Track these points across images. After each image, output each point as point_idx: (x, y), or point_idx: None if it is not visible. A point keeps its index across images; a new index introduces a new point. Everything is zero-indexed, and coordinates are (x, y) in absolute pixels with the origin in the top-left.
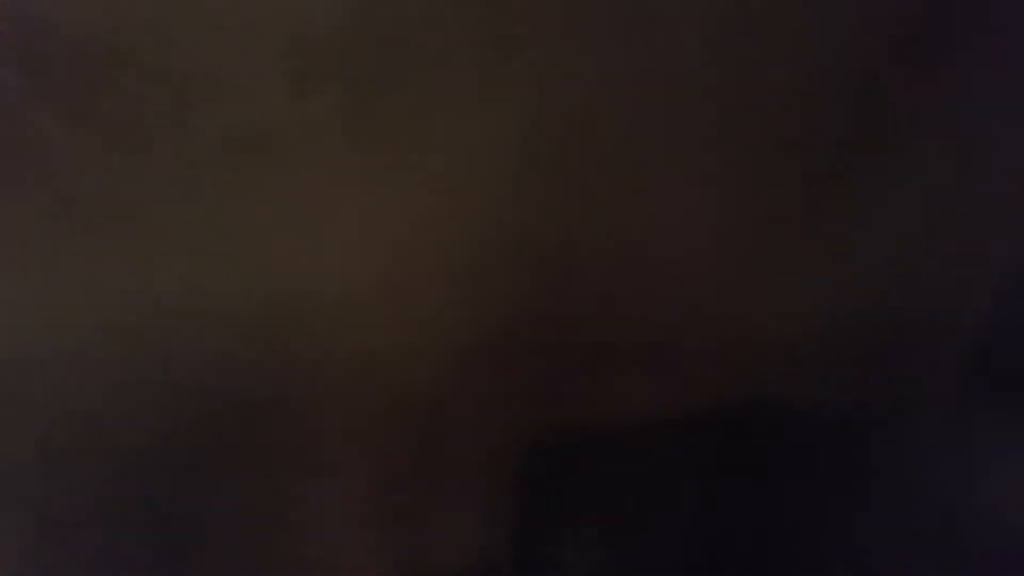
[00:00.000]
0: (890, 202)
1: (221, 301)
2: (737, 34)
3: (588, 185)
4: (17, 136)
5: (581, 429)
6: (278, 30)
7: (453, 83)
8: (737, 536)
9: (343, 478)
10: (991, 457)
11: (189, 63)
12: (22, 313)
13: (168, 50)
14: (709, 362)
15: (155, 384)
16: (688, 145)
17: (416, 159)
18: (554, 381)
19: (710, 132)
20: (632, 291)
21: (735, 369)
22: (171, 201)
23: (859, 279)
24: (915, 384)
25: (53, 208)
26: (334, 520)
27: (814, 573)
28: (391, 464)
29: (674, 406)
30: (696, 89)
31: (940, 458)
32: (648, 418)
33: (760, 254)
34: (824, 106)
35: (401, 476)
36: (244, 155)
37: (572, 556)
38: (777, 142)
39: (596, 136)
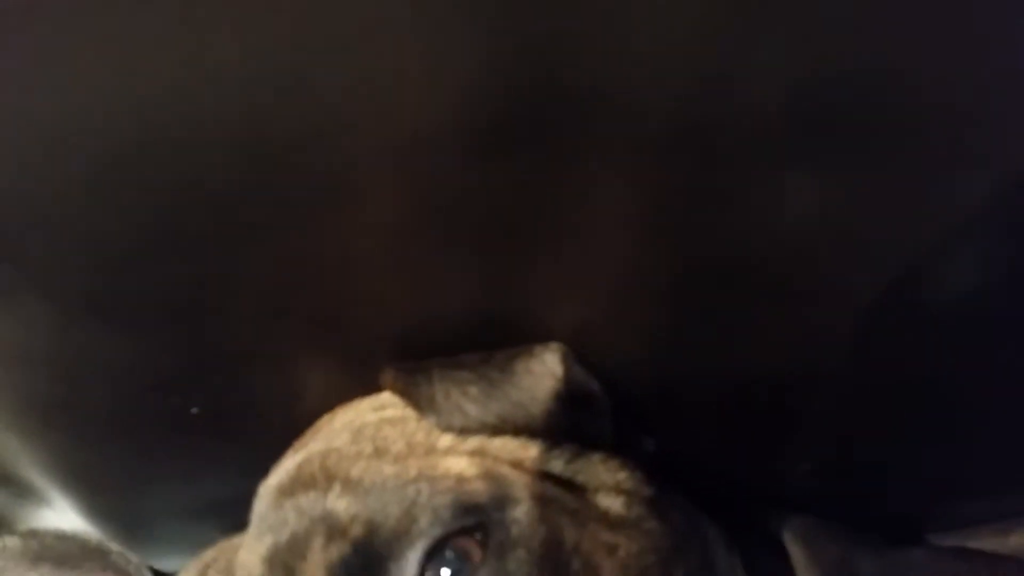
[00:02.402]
0: None
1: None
2: None
3: None
4: None
5: (573, 174)
6: None
7: None
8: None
9: (361, 217)
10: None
11: None
12: (71, 58)
13: None
14: (689, 103)
15: (193, 124)
16: None
17: None
18: (552, 126)
19: None
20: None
21: (712, 116)
22: None
23: (836, 43)
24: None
25: None
26: (351, 263)
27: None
28: (403, 208)
29: (655, 138)
30: None
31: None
32: (633, 153)
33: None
34: None
35: (413, 222)
36: None
37: (572, 305)
38: None
39: None
